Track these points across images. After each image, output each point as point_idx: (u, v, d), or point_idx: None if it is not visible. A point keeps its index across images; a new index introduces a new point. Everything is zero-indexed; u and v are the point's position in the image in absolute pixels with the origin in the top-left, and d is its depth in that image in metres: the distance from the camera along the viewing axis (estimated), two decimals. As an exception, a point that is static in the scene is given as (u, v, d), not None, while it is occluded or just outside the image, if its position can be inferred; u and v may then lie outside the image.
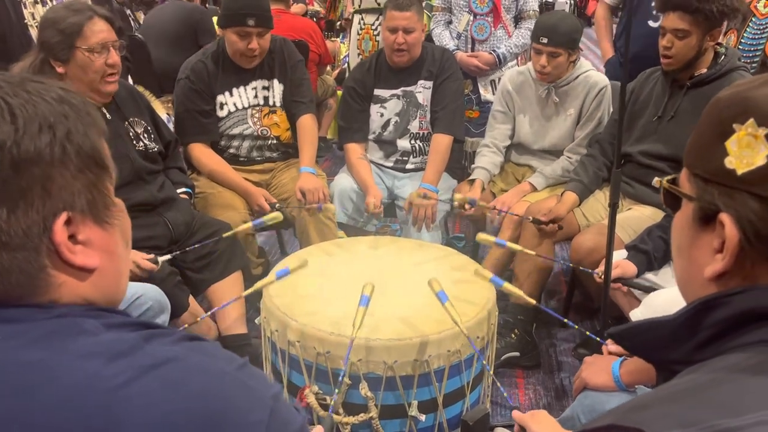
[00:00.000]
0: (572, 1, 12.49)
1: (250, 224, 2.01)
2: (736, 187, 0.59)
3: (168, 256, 2.01)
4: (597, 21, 3.75)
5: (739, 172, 0.59)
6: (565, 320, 1.78)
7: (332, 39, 5.77)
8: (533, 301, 1.77)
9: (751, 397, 0.52)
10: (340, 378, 1.62)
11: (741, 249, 0.59)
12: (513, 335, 2.41)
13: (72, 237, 0.69)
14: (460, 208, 2.43)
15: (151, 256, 1.96)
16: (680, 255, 0.68)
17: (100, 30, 1.90)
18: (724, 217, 0.60)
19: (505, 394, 1.81)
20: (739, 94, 0.62)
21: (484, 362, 1.73)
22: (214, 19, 4.13)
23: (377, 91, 2.76)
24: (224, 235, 2.06)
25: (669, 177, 0.69)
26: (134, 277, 1.89)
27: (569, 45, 2.46)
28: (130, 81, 3.72)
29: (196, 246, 2.10)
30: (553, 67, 2.49)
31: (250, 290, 1.74)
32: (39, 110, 0.66)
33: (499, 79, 3.07)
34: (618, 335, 0.67)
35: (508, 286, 1.77)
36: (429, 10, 3.77)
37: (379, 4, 3.57)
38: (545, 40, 2.44)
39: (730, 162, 0.60)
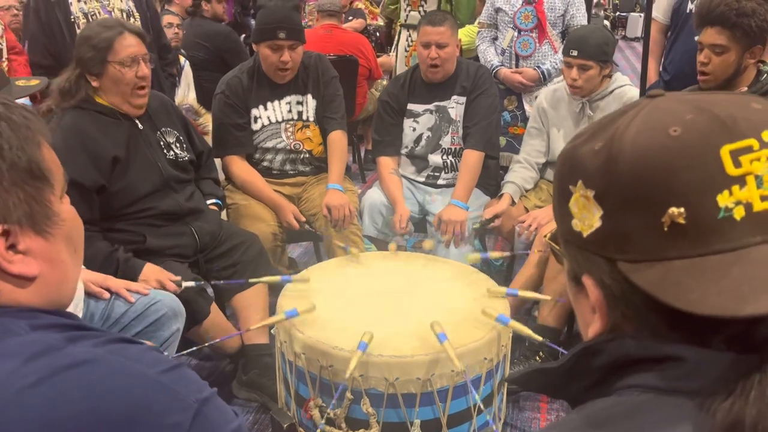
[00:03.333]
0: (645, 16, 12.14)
1: (279, 278, 2.05)
2: (587, 249, 0.57)
3: (192, 283, 2.06)
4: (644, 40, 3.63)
5: (585, 234, 0.57)
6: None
7: (391, 54, 5.82)
8: (539, 338, 1.73)
9: None
10: (330, 407, 1.63)
11: (607, 309, 0.58)
12: (537, 358, 2.35)
13: (12, 246, 0.72)
14: (483, 226, 2.39)
15: (178, 278, 2.02)
16: (576, 313, 0.66)
17: (129, 44, 2.00)
18: (586, 280, 0.58)
19: (494, 428, 1.75)
20: (568, 152, 0.60)
21: (477, 395, 1.70)
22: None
23: (410, 106, 2.76)
24: (251, 280, 2.12)
25: (552, 232, 0.67)
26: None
27: (600, 57, 2.40)
28: (192, 93, 3.86)
29: (221, 283, 2.18)
30: (585, 81, 2.43)
31: (259, 324, 1.79)
32: None
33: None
34: (515, 381, 0.66)
35: (514, 324, 1.74)
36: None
37: None
38: (575, 53, 2.39)
39: (575, 224, 0.58)
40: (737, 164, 0.51)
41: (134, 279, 1.97)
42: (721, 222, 0.51)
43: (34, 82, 2.24)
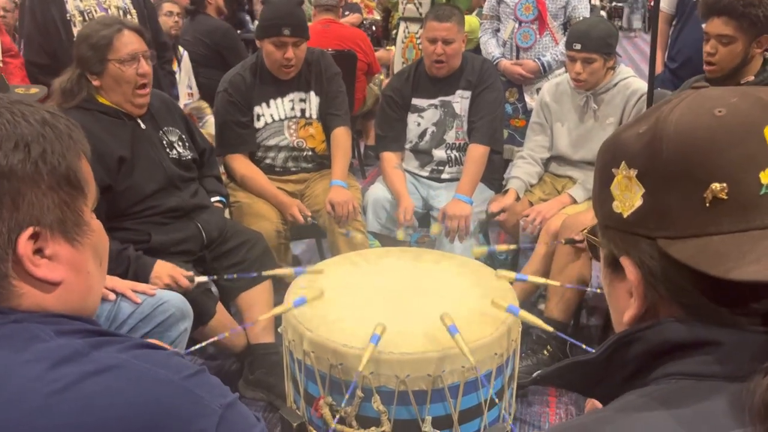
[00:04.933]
0: (645, 9, 12.11)
1: (292, 271, 2.00)
2: (627, 230, 0.59)
3: (204, 278, 2.05)
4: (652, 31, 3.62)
5: (625, 215, 0.59)
6: (584, 345, 1.72)
7: (388, 48, 5.80)
8: (550, 328, 1.72)
9: None
10: (343, 404, 1.61)
11: (645, 290, 0.59)
12: (545, 352, 2.34)
13: (39, 251, 0.72)
14: (490, 219, 2.39)
15: (190, 273, 2.01)
16: (608, 303, 0.67)
17: (129, 42, 1.98)
18: (624, 261, 0.59)
19: (506, 423, 1.74)
20: (612, 138, 0.62)
21: (491, 391, 1.69)
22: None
23: (415, 101, 2.74)
24: (265, 273, 2.09)
25: (590, 227, 0.69)
26: (169, 289, 1.95)
27: (604, 50, 2.39)
28: (195, 91, 3.83)
29: (234, 276, 2.11)
30: (589, 74, 2.41)
31: (266, 316, 1.76)
32: (18, 130, 0.71)
33: (546, 87, 3.00)
34: (547, 377, 0.66)
35: (524, 314, 1.73)
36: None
37: (421, 14, 3.57)
38: (578, 47, 2.38)
39: (616, 206, 0.60)
40: None
41: (145, 276, 1.95)
42: (762, 198, 0.52)
43: (33, 90, 2.24)
